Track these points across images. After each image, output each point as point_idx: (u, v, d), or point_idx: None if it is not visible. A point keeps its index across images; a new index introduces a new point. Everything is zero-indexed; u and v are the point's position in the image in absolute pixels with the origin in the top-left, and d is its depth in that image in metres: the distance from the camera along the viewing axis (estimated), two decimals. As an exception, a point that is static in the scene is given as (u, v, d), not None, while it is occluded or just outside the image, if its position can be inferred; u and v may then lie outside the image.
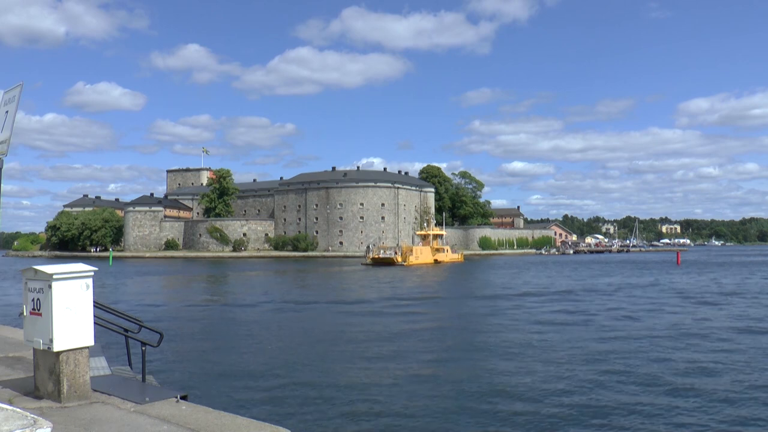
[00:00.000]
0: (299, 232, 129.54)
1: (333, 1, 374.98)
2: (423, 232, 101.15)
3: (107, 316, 7.89)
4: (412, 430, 10.07)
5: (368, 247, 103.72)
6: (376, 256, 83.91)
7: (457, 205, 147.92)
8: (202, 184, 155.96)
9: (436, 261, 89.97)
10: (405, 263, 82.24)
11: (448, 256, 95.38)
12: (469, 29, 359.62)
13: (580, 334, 20.06)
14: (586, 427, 10.17)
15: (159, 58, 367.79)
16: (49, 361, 6.22)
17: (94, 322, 6.57)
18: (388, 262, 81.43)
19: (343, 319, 24.82)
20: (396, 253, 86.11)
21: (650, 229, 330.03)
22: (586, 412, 10.91)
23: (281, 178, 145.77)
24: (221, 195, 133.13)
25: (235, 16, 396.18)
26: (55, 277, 6.10)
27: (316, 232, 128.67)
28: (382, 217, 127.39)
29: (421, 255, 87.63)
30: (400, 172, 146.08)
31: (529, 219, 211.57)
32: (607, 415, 10.77)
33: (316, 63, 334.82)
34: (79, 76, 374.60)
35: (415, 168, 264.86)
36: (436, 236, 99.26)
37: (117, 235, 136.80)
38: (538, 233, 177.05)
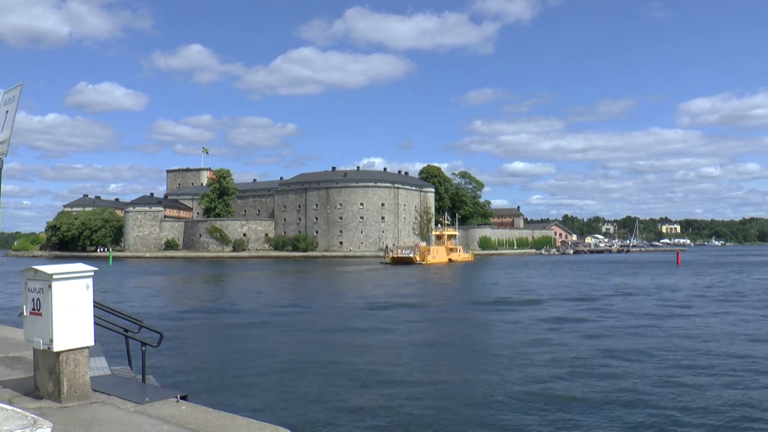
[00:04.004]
0: (299, 232, 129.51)
1: (336, 1, 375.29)
2: (438, 233, 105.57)
3: (107, 316, 7.89)
4: (414, 430, 10.07)
5: (386, 246, 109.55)
6: (396, 256, 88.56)
7: (457, 205, 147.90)
8: (202, 184, 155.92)
9: (450, 260, 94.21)
10: (423, 262, 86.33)
11: (460, 255, 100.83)
12: (472, 29, 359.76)
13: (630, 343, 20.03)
14: None
15: (161, 58, 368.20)
16: (49, 361, 6.22)
17: (94, 322, 6.57)
18: (407, 261, 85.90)
19: (349, 320, 24.80)
20: (414, 252, 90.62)
21: (650, 229, 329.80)
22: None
23: (281, 178, 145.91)
24: (221, 195, 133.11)
25: (238, 16, 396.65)
26: (55, 277, 6.10)
27: (316, 232, 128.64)
28: (382, 217, 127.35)
29: (438, 254, 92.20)
30: (400, 172, 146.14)
31: (529, 219, 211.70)
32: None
33: (319, 63, 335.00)
34: (81, 76, 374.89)
35: (415, 168, 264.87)
36: (450, 236, 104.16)
37: (117, 235, 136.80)
38: (538, 233, 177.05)
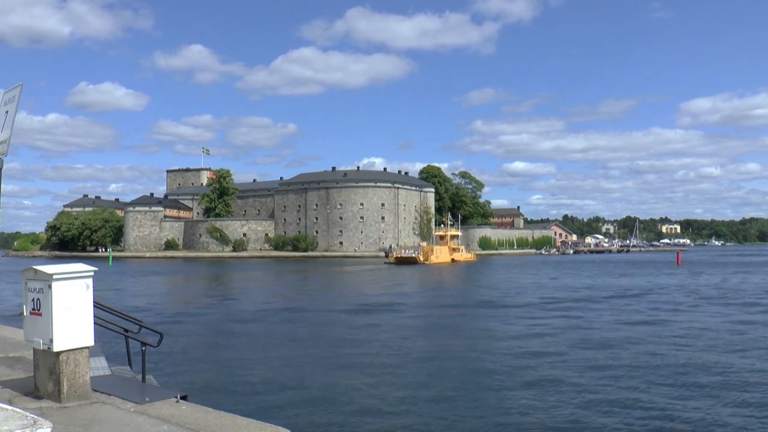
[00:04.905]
0: (299, 232, 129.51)
1: (337, 1, 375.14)
2: (441, 233, 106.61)
3: (107, 316, 7.89)
4: (414, 429, 10.07)
5: (390, 246, 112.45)
6: (400, 256, 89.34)
7: (457, 205, 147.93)
8: (202, 184, 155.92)
9: (453, 260, 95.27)
10: (427, 262, 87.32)
11: (463, 255, 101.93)
12: (473, 29, 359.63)
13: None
14: None
15: (162, 58, 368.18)
16: (49, 361, 6.22)
17: (94, 322, 6.56)
18: (411, 261, 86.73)
19: (352, 320, 24.79)
20: (417, 252, 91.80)
21: (650, 229, 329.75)
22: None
23: (281, 178, 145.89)
24: (221, 195, 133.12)
25: (239, 16, 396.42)
26: (55, 277, 6.10)
27: (316, 232, 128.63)
28: (382, 217, 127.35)
29: (441, 254, 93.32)
30: (400, 172, 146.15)
31: (529, 219, 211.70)
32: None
33: (320, 63, 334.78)
34: (82, 76, 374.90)
35: (416, 168, 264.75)
36: (453, 237, 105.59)
37: (117, 235, 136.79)
38: (538, 233, 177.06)
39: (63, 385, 6.11)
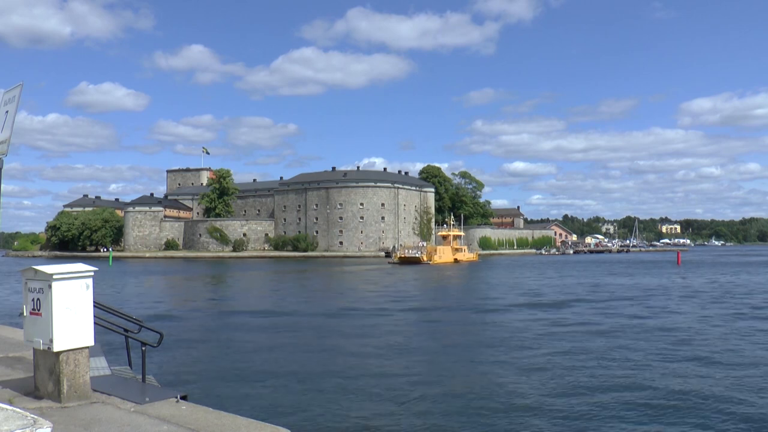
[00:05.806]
0: (299, 232, 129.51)
1: (338, 1, 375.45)
2: (444, 233, 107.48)
3: (107, 316, 7.89)
4: (414, 430, 10.06)
5: (393, 246, 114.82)
6: (404, 256, 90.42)
7: (457, 205, 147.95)
8: (202, 184, 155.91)
9: (455, 260, 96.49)
10: (430, 262, 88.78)
11: (465, 255, 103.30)
12: (474, 29, 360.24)
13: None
14: None
15: (162, 58, 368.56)
16: (49, 361, 6.22)
17: (94, 322, 6.56)
18: (414, 261, 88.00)
19: (354, 321, 24.78)
20: (421, 252, 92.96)
21: (650, 229, 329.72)
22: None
23: (281, 178, 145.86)
24: (221, 195, 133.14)
25: (239, 16, 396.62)
26: (55, 277, 6.10)
27: (316, 232, 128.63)
28: (382, 217, 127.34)
29: (444, 254, 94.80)
30: (400, 172, 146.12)
31: (529, 219, 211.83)
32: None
33: (321, 63, 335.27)
34: (83, 76, 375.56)
35: (416, 168, 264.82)
36: (455, 237, 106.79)
37: (117, 235, 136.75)
38: (538, 233, 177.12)
39: (63, 385, 6.11)
